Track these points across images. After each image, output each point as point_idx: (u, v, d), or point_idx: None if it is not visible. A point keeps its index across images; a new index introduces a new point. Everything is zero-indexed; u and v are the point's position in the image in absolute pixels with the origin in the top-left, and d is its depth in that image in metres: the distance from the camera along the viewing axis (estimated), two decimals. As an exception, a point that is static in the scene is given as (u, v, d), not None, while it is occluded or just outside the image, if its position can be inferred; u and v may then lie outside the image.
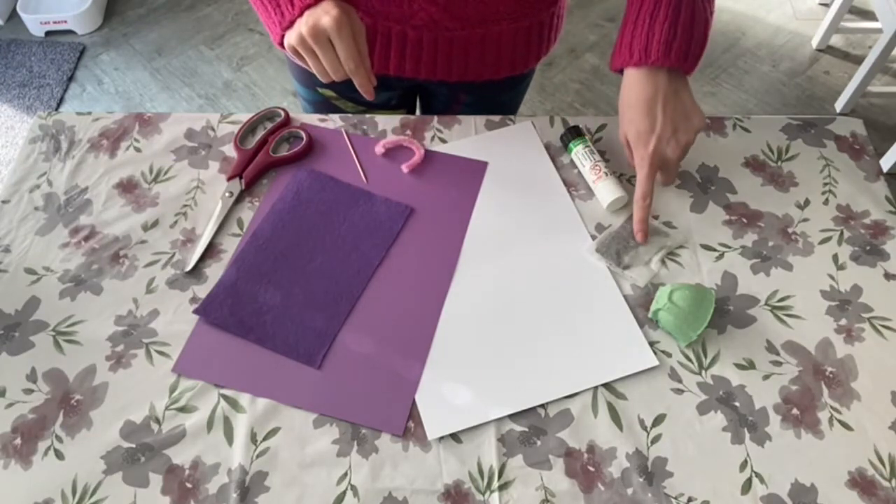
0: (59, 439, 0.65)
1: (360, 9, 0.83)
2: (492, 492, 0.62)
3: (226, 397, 0.67)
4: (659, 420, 0.65)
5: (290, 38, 0.67)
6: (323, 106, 1.00)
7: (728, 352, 0.69)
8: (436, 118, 0.87)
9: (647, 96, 0.73)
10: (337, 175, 0.82)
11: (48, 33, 2.33)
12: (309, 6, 0.65)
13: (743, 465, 0.63)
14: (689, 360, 0.69)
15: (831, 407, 0.66)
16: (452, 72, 0.90)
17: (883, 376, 0.68)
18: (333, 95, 0.97)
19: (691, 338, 0.68)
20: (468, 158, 0.83)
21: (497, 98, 1.00)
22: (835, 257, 0.76)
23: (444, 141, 0.85)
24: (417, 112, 1.10)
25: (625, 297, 0.73)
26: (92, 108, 2.13)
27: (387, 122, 0.87)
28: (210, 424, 0.66)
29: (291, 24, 0.67)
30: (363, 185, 0.81)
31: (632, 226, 0.76)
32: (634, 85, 0.74)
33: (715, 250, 0.76)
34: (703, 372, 0.68)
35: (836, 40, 2.23)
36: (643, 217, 0.75)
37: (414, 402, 0.66)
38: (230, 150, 0.85)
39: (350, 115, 0.88)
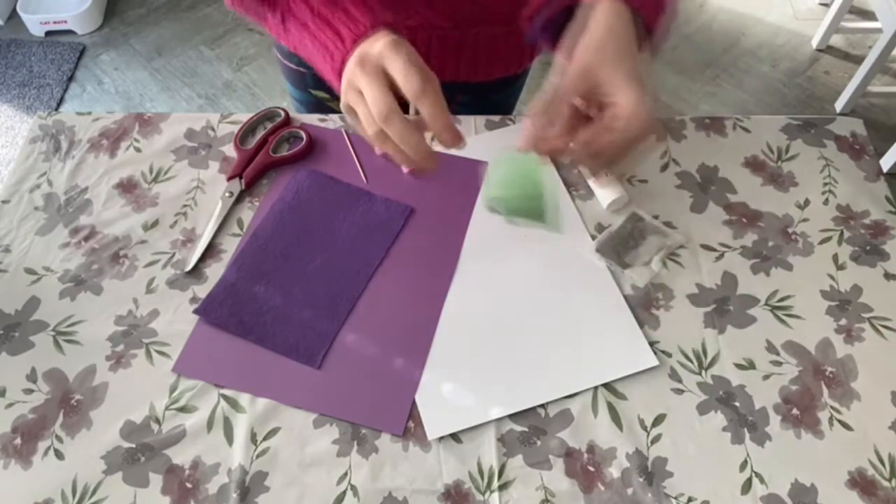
0: (59, 439, 0.65)
1: None
2: (492, 492, 0.62)
3: (226, 397, 0.67)
4: (659, 420, 0.65)
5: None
6: (315, 107, 0.99)
7: (728, 352, 0.69)
8: (436, 118, 0.87)
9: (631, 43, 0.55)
10: (337, 175, 0.82)
11: (48, 33, 2.33)
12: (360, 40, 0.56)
13: (743, 465, 0.63)
14: (689, 360, 0.69)
15: (831, 407, 0.66)
16: (445, 72, 0.90)
17: (883, 376, 0.68)
18: (326, 97, 0.97)
19: (543, 211, 0.57)
20: (468, 158, 0.83)
21: (493, 97, 1.00)
22: (835, 257, 0.76)
23: (444, 141, 0.85)
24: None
25: (625, 297, 0.73)
26: (92, 108, 2.13)
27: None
28: (210, 424, 0.66)
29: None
30: (363, 185, 0.81)
31: (632, 225, 0.76)
32: (626, 22, 0.55)
33: (715, 250, 0.76)
34: (703, 372, 0.68)
35: (836, 40, 2.23)
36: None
37: (414, 402, 0.66)
38: (230, 150, 0.85)
39: (350, 115, 0.88)
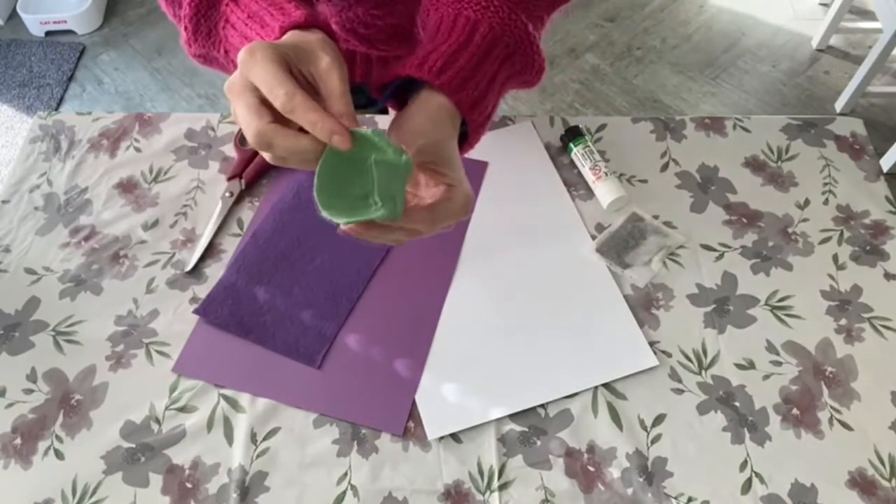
0: (59, 439, 0.65)
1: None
2: (492, 492, 0.62)
3: (226, 397, 0.67)
4: (659, 420, 0.65)
5: None
6: None
7: (728, 352, 0.69)
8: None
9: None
10: (337, 175, 0.82)
11: (48, 33, 2.33)
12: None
13: (743, 465, 0.63)
14: (689, 360, 0.69)
15: (831, 407, 0.66)
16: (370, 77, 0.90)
17: (883, 376, 0.68)
18: None
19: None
20: (468, 158, 0.83)
21: None
22: (835, 257, 0.76)
23: (444, 141, 0.85)
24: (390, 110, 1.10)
25: (625, 297, 0.72)
26: (92, 108, 2.13)
27: (387, 122, 0.86)
28: (210, 424, 0.66)
29: None
30: (363, 185, 0.81)
31: (632, 225, 0.76)
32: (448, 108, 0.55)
33: (715, 250, 0.76)
34: (703, 372, 0.68)
35: (836, 40, 2.23)
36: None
37: (414, 402, 0.66)
38: (230, 150, 0.85)
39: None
